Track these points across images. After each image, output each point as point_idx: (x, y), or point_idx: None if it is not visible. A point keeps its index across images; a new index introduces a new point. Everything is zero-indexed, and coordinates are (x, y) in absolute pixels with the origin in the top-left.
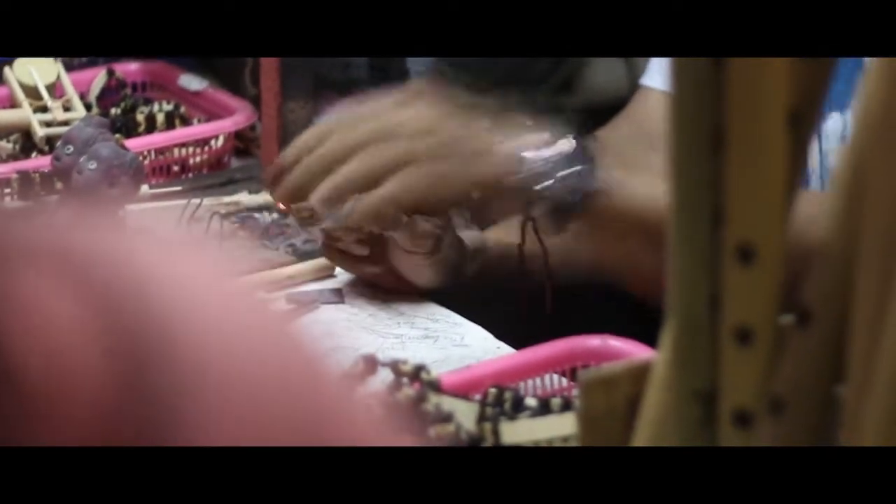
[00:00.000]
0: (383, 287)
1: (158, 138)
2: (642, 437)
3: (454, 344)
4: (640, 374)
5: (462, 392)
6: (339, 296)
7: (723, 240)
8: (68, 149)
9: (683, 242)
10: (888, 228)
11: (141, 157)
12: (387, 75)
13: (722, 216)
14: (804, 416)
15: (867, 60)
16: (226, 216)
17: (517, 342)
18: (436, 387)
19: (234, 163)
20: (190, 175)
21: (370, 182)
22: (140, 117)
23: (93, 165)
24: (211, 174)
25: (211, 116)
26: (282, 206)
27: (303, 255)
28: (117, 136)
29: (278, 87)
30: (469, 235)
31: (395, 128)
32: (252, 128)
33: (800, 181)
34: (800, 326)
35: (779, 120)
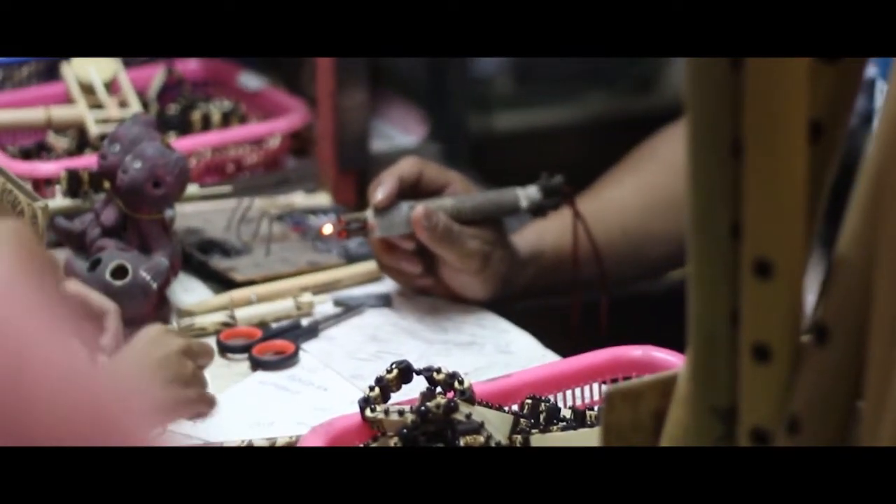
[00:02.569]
0: (436, 295)
1: (212, 137)
2: None
3: (500, 351)
4: (667, 387)
5: (499, 401)
6: (386, 300)
7: (741, 253)
8: (115, 147)
9: (703, 255)
10: None
11: (194, 157)
12: (445, 74)
13: (740, 229)
14: (821, 434)
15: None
16: (278, 217)
17: (568, 351)
18: (468, 397)
19: (291, 163)
20: (246, 174)
21: None
22: (196, 115)
23: (137, 165)
24: (266, 174)
25: (268, 116)
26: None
27: (354, 259)
28: (172, 132)
29: (333, 86)
30: (525, 241)
31: None
32: (309, 128)
33: (824, 194)
34: (817, 343)
35: (799, 130)
